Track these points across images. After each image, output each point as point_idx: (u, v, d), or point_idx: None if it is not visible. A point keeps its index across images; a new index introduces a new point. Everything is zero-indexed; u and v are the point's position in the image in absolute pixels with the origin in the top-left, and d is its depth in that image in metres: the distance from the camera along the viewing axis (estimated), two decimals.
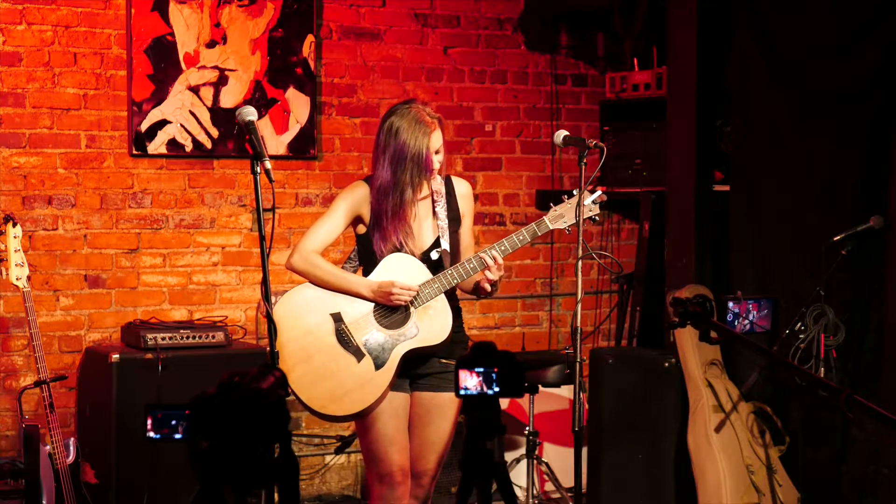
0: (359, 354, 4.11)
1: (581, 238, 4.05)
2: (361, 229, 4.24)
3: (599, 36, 6.98)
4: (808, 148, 5.42)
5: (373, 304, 4.14)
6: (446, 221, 4.21)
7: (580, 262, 4.05)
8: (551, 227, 4.20)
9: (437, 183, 4.24)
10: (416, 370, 4.19)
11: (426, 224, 4.22)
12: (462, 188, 4.32)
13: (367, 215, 4.20)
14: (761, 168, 5.60)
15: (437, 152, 4.16)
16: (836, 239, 5.09)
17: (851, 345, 5.18)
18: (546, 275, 6.89)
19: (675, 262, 5.82)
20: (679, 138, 5.83)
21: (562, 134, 4.31)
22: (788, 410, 5.39)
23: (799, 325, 5.08)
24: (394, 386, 4.15)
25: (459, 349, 4.22)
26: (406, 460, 4.21)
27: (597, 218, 4.20)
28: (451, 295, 4.22)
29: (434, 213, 4.22)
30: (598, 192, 4.19)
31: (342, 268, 4.31)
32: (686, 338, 5.34)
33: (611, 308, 6.81)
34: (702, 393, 5.33)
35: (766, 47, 5.54)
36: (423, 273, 4.14)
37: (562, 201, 4.21)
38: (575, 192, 4.20)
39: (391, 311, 4.14)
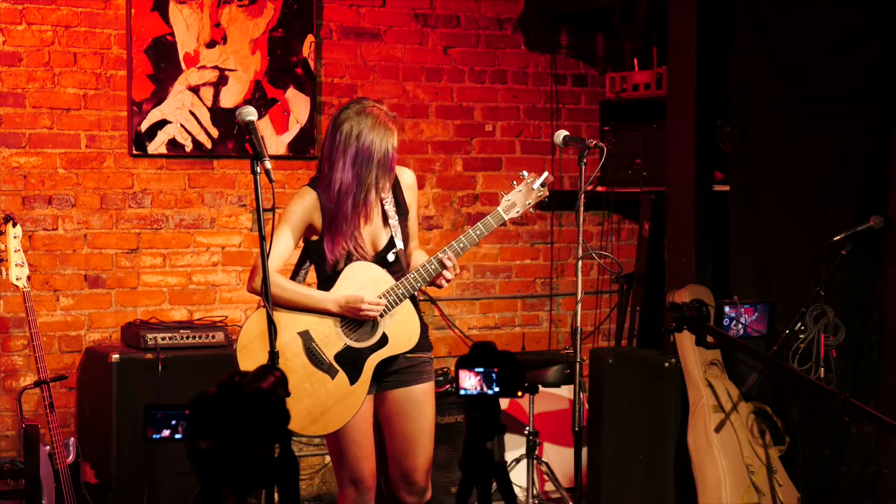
0: (332, 371, 4.06)
1: (581, 238, 4.05)
2: (314, 237, 4.15)
3: (599, 36, 6.98)
4: (808, 148, 5.42)
5: (339, 318, 4.08)
6: (397, 218, 4.15)
7: (580, 262, 4.05)
8: (506, 218, 4.16)
9: None
10: (383, 368, 4.14)
11: (377, 223, 4.15)
12: (406, 178, 4.25)
13: (319, 222, 4.12)
14: (761, 168, 5.60)
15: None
16: (836, 239, 5.09)
17: (851, 345, 5.18)
18: (546, 275, 6.89)
19: (675, 262, 5.82)
20: (679, 138, 5.83)
21: (562, 134, 4.31)
22: (788, 410, 5.39)
23: (799, 325, 5.08)
24: None
25: (421, 339, 4.18)
26: (373, 463, 4.20)
27: (546, 200, 4.18)
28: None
29: (383, 211, 4.15)
30: (546, 174, 4.17)
31: (294, 273, 4.25)
32: (686, 338, 5.34)
33: (611, 308, 6.81)
34: (702, 393, 5.33)
35: (766, 47, 5.54)
36: (386, 280, 4.09)
37: (512, 188, 4.18)
38: (524, 174, 4.18)
39: (358, 323, 4.09)
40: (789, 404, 5.39)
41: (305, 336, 4.08)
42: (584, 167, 4.13)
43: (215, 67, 6.02)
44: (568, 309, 6.91)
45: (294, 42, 6.18)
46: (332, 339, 4.08)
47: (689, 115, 5.76)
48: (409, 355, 4.15)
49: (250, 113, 3.73)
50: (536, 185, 4.15)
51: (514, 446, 6.01)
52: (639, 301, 6.22)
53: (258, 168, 3.65)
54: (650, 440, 5.55)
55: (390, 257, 4.13)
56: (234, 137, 6.03)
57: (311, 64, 6.22)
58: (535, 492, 5.74)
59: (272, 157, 3.91)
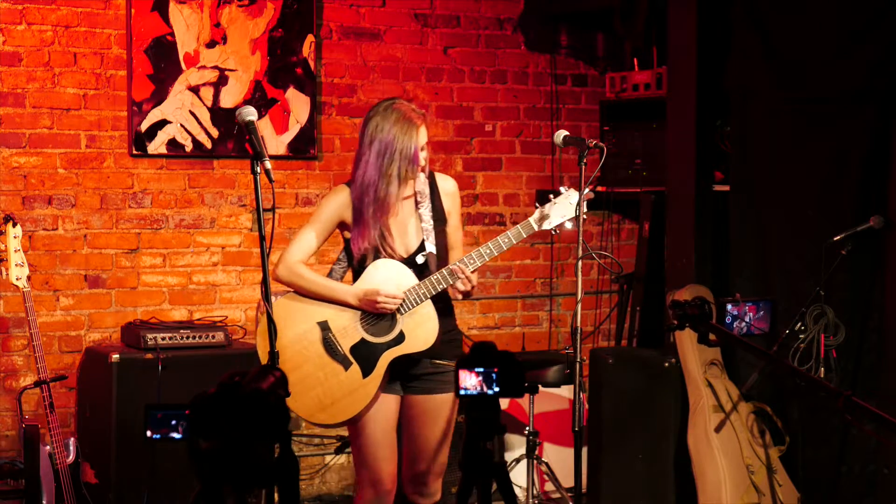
0: (346, 363, 4.10)
1: (581, 238, 4.04)
2: (348, 234, 4.21)
3: (599, 36, 6.98)
4: (808, 148, 5.42)
5: (360, 312, 4.12)
6: (431, 223, 4.17)
7: (580, 262, 4.04)
8: (536, 229, 4.16)
9: (420, 182, 4.20)
10: (408, 371, 4.17)
11: (410, 226, 4.18)
12: (447, 185, 4.27)
13: (350, 219, 4.17)
14: (761, 168, 5.60)
15: (422, 148, 4.13)
16: (836, 239, 5.09)
17: (851, 345, 5.18)
18: (546, 275, 6.89)
19: (675, 262, 5.82)
20: (679, 138, 5.83)
21: (562, 134, 4.30)
22: (788, 410, 5.39)
23: (799, 325, 5.08)
24: (385, 388, 4.14)
25: (451, 348, 4.20)
26: (394, 466, 4.22)
27: (584, 217, 4.16)
28: (442, 294, 4.17)
29: (418, 214, 4.19)
30: (586, 191, 4.14)
31: (332, 269, 4.30)
32: (686, 338, 5.34)
33: (611, 308, 6.81)
34: (702, 393, 5.33)
35: (766, 47, 5.54)
36: (410, 278, 4.11)
37: (548, 200, 4.17)
38: (562, 189, 4.17)
39: (378, 318, 4.12)
40: (789, 404, 5.39)
41: (324, 326, 4.13)
42: (584, 167, 4.12)
43: (215, 67, 6.02)
44: (568, 309, 6.91)
45: (294, 42, 6.18)
46: (349, 331, 4.12)
47: (689, 115, 5.76)
48: (436, 362, 4.16)
49: (250, 113, 3.73)
50: (574, 200, 4.14)
51: (514, 446, 6.01)
52: (639, 301, 6.22)
53: (258, 168, 3.65)
54: (650, 440, 5.55)
55: (419, 259, 4.16)
56: (234, 137, 6.03)
57: (311, 64, 6.22)
58: (535, 492, 5.74)
59: (272, 157, 3.92)
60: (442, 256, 4.19)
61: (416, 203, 4.18)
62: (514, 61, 6.79)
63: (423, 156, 4.13)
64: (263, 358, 4.07)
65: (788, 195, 5.49)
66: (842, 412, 3.44)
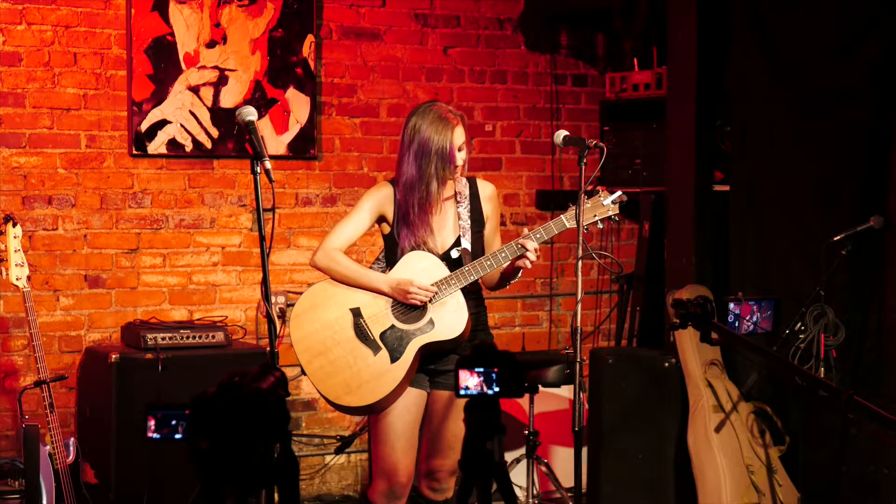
0: (375, 348, 4.19)
1: (581, 238, 4.05)
2: (385, 229, 4.32)
3: (599, 36, 6.98)
4: (807, 148, 5.42)
5: (392, 300, 4.22)
6: (469, 222, 4.28)
7: (580, 262, 4.05)
8: (568, 227, 4.22)
9: (461, 184, 4.31)
10: (436, 366, 4.26)
11: (448, 224, 4.28)
12: (486, 191, 4.38)
13: (390, 215, 4.28)
14: (761, 168, 5.60)
15: (459, 149, 4.23)
16: (836, 239, 5.09)
17: (851, 345, 5.18)
18: (546, 275, 6.88)
19: (675, 262, 5.82)
20: (679, 138, 5.83)
21: (562, 134, 4.31)
22: (788, 410, 5.39)
23: (799, 325, 5.08)
24: (412, 382, 4.22)
25: None
26: (411, 461, 4.26)
27: (616, 218, 4.21)
28: (475, 295, 4.27)
29: (457, 213, 4.28)
30: (619, 193, 4.22)
31: (370, 267, 4.39)
32: (686, 338, 5.34)
33: (611, 308, 6.81)
34: (702, 393, 5.33)
35: (766, 47, 5.54)
36: (442, 270, 4.20)
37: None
38: (597, 189, 4.23)
39: (409, 307, 4.20)
40: (789, 404, 5.39)
41: (356, 312, 4.23)
42: (584, 167, 4.14)
43: (215, 67, 6.02)
44: (568, 309, 6.91)
45: (294, 42, 6.18)
46: (380, 317, 4.21)
47: (689, 115, 5.76)
48: None
49: (250, 113, 3.74)
50: (607, 201, 4.20)
51: (514, 446, 6.01)
52: (639, 301, 6.22)
53: (258, 168, 3.67)
54: (650, 440, 5.55)
55: (454, 254, 4.25)
56: (234, 137, 6.03)
57: (311, 64, 6.22)
58: (535, 492, 5.74)
59: (272, 157, 3.92)
60: (477, 256, 4.27)
61: (457, 203, 4.29)
62: (514, 61, 6.79)
63: (459, 156, 4.24)
64: (297, 344, 4.22)
65: (788, 195, 5.49)
66: (844, 411, 3.43)
